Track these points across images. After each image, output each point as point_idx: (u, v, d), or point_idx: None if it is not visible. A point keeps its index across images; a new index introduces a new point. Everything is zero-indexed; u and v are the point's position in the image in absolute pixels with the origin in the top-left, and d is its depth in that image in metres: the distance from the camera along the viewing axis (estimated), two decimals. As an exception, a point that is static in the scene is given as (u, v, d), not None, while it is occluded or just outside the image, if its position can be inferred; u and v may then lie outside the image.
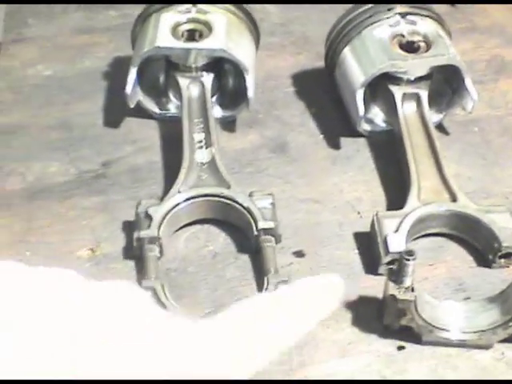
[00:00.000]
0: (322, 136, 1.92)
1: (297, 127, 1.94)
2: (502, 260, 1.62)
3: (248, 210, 1.62)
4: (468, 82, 1.81)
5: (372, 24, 1.83)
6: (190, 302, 1.54)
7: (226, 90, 1.96)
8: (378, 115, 1.91)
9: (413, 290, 1.46)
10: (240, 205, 1.63)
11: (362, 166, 1.85)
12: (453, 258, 1.65)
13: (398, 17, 1.83)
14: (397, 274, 1.46)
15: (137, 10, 1.98)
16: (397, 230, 1.59)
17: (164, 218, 1.61)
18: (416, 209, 1.63)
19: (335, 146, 1.89)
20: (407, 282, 1.46)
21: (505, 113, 1.98)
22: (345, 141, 1.90)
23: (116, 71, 2.09)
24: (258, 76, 1.94)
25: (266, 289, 1.50)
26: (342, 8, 2.01)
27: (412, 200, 1.66)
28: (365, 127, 1.88)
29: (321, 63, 2.05)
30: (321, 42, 2.03)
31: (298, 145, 1.89)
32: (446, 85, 1.89)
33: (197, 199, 1.64)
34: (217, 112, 1.91)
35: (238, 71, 1.85)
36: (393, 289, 1.46)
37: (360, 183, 1.81)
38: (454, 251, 1.67)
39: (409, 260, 1.43)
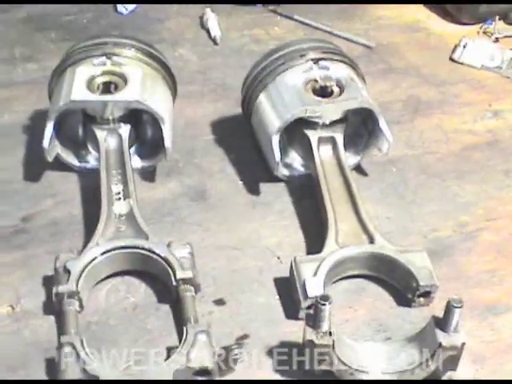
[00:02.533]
0: (241, 182, 1.93)
1: (216, 174, 1.96)
2: (421, 299, 1.64)
3: (166, 260, 1.62)
4: (382, 123, 1.84)
5: (285, 70, 1.85)
6: (110, 356, 1.53)
7: (145, 141, 1.96)
8: (295, 160, 1.93)
9: (330, 334, 1.46)
10: (158, 255, 1.63)
11: (282, 211, 1.86)
12: (373, 299, 1.67)
13: (310, 63, 1.86)
14: (314, 319, 1.47)
15: (56, 62, 1.98)
16: (315, 274, 1.60)
17: (82, 272, 1.59)
18: (333, 252, 1.64)
19: (255, 191, 1.90)
20: (324, 327, 1.46)
21: (421, 151, 2.02)
22: (264, 186, 1.91)
23: (35, 125, 2.08)
24: (177, 124, 1.96)
25: (185, 339, 1.49)
26: (259, 51, 2.04)
27: (330, 243, 1.67)
28: (283, 172, 1.89)
29: (239, 110, 2.07)
30: (239, 88, 2.05)
31: (217, 192, 1.90)
32: (362, 127, 1.92)
33: (115, 251, 1.64)
34: (135, 162, 1.91)
35: (156, 121, 1.85)
36: (310, 334, 1.47)
37: (279, 228, 1.82)
38: (374, 292, 1.68)
39: (324, 305, 1.43)
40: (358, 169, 1.94)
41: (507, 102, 2.17)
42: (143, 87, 1.83)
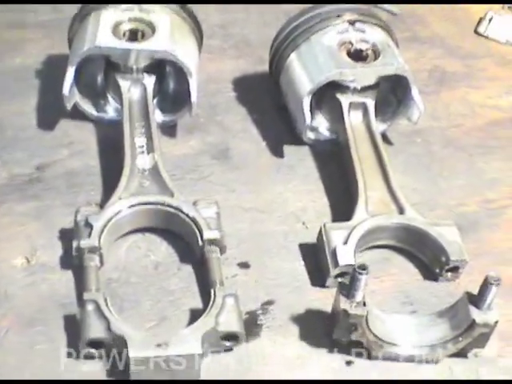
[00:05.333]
0: (264, 143, 1.87)
1: (239, 133, 1.90)
2: (449, 273, 1.61)
3: (193, 219, 1.56)
4: (415, 92, 1.79)
5: (320, 30, 1.79)
6: (132, 315, 1.48)
7: (167, 94, 1.89)
8: (322, 124, 1.87)
9: (364, 304, 1.43)
10: (185, 214, 1.57)
11: (306, 175, 1.81)
12: (399, 271, 1.63)
13: (346, 24, 1.80)
14: (348, 288, 1.43)
15: (72, 5, 1.90)
16: (345, 243, 1.56)
17: (105, 227, 1.53)
18: (364, 221, 1.60)
19: (278, 154, 1.85)
20: (359, 297, 1.42)
21: (447, 124, 1.98)
22: (288, 149, 1.86)
23: (49, 70, 2.01)
24: (199, 79, 1.88)
25: (214, 302, 1.44)
26: (281, 10, 1.98)
27: (359, 212, 1.63)
28: (309, 135, 1.84)
29: (262, 67, 2.01)
30: (261, 45, 2.00)
31: (240, 151, 1.85)
32: (391, 94, 1.87)
33: (139, 207, 1.58)
34: (157, 116, 1.83)
35: (180, 74, 1.79)
36: (344, 303, 1.42)
37: (304, 193, 1.77)
38: (401, 264, 1.64)
39: (362, 274, 1.39)
40: (383, 137, 1.88)
41: (533, 80, 2.14)
42: (172, 37, 1.75)
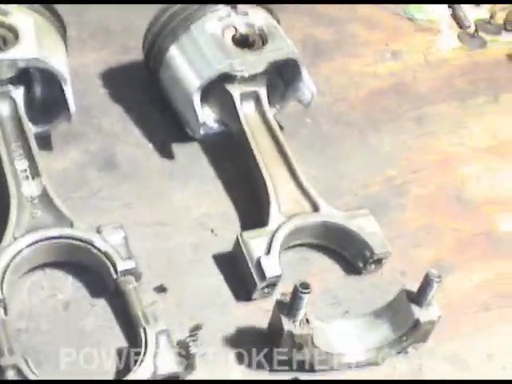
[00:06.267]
0: (150, 145, 1.71)
1: (121, 136, 1.72)
2: (372, 266, 1.55)
3: (103, 252, 1.40)
4: (305, 74, 1.69)
5: (200, 18, 1.63)
6: (53, 368, 1.31)
7: (34, 102, 1.66)
8: (210, 116, 1.72)
9: (307, 321, 1.34)
10: (92, 245, 1.40)
11: (202, 176, 1.68)
12: (321, 270, 1.56)
13: (227, 8, 1.66)
14: (289, 308, 1.33)
15: None
16: (268, 252, 1.46)
17: (4, 275, 1.34)
18: (282, 225, 1.50)
19: (168, 155, 1.70)
20: (301, 315, 1.34)
21: (332, 99, 1.90)
22: (177, 148, 1.71)
23: None
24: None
25: (146, 343, 1.30)
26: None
27: (274, 214, 1.52)
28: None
29: (127, 57, 1.84)
30: (123, 33, 1.82)
31: (127, 158, 1.68)
32: (277, 77, 1.75)
33: (39, 244, 1.39)
34: (28, 129, 1.62)
35: (47, 78, 1.59)
36: (288, 324, 1.33)
37: (204, 196, 1.64)
38: (321, 263, 1.57)
39: (304, 293, 1.30)
40: (273, 123, 1.79)
41: (402, 41, 2.09)
42: (39, 41, 1.54)
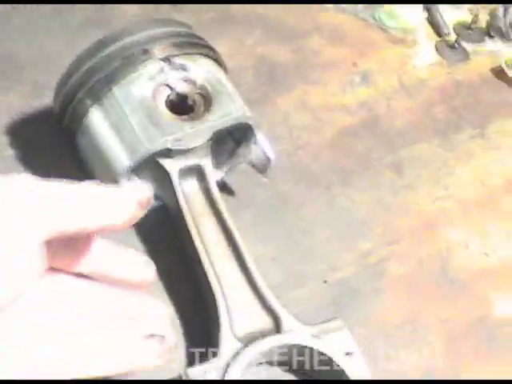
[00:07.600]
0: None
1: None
2: None
3: None
4: (261, 137, 1.37)
5: (124, 78, 1.28)
6: None
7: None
8: (141, 188, 1.38)
9: None
10: None
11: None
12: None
13: (160, 62, 1.30)
14: None
15: None
16: (220, 396, 1.16)
17: None
18: (237, 353, 1.19)
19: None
20: None
21: (292, 146, 1.56)
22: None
23: None
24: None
25: None
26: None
27: (226, 337, 1.21)
28: (128, 210, 1.36)
29: (42, 101, 1.48)
30: (36, 66, 1.47)
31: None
32: (226, 135, 1.42)
33: None
34: None
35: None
36: None
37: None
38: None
39: None
40: (222, 186, 1.45)
41: (373, 59, 1.73)
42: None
